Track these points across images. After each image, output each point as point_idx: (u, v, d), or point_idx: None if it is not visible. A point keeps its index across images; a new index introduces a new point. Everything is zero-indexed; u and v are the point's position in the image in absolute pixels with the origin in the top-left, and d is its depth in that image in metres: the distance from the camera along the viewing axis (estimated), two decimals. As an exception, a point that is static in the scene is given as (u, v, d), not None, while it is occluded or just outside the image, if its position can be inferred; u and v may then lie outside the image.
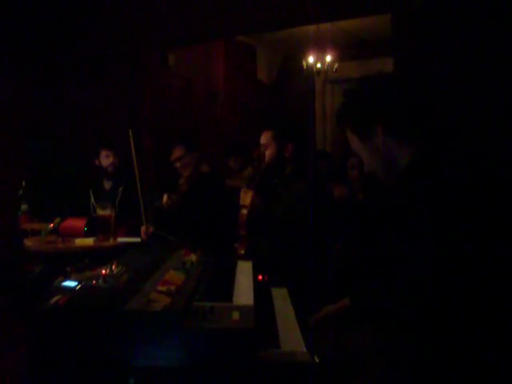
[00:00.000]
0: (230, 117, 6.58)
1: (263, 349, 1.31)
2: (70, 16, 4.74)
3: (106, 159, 3.77)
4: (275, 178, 2.92)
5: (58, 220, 3.35)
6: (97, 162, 3.81)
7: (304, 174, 2.81)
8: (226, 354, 1.24)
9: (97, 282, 1.49)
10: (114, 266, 1.62)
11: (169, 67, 5.46)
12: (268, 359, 1.29)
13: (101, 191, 3.80)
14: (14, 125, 3.86)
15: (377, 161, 1.44)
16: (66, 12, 4.71)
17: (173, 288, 1.45)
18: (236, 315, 1.31)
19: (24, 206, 3.93)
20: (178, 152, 3.57)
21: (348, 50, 7.32)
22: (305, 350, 1.37)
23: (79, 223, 3.33)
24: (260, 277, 1.98)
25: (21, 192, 3.99)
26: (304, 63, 6.89)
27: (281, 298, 1.87)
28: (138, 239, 3.19)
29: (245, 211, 2.90)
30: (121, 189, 3.72)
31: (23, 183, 3.99)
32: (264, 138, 2.86)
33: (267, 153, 2.84)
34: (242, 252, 2.85)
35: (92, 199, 3.72)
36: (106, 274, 1.56)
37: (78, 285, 1.48)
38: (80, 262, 1.72)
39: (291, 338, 1.46)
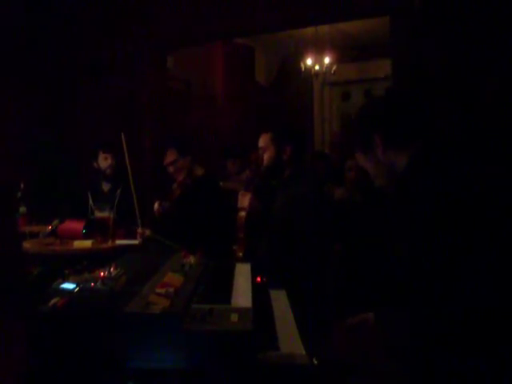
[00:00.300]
0: (229, 119, 6.59)
1: (262, 351, 1.31)
2: (70, 17, 4.75)
3: (104, 161, 3.76)
4: (274, 181, 2.93)
5: (56, 222, 3.34)
6: (95, 164, 3.80)
7: (303, 176, 2.81)
8: (225, 356, 1.24)
9: (95, 284, 1.49)
10: (112, 269, 1.62)
11: (167, 69, 5.46)
12: (267, 361, 1.29)
13: (99, 193, 3.80)
14: (13, 126, 3.87)
15: (380, 171, 1.52)
16: (66, 13, 4.72)
17: (171, 290, 1.45)
18: (235, 317, 1.31)
19: (22, 208, 3.92)
20: (170, 156, 3.57)
21: (346, 52, 7.34)
22: (304, 352, 1.37)
23: (77, 225, 3.32)
24: (259, 279, 1.98)
25: (19, 194, 3.99)
26: (302, 65, 6.91)
27: (279, 300, 1.87)
28: (136, 241, 3.19)
29: (243, 213, 2.90)
30: (119, 191, 3.71)
31: (22, 185, 3.99)
32: (262, 141, 2.87)
33: (266, 155, 2.84)
34: (241, 254, 2.85)
35: (90, 201, 3.71)
36: (104, 276, 1.56)
37: (76, 287, 1.47)
38: (78, 264, 1.71)
39: (290, 340, 1.46)
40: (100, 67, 4.69)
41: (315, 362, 1.31)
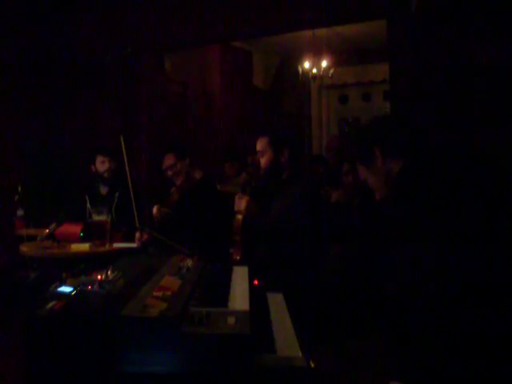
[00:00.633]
0: (226, 122, 6.59)
1: (259, 354, 1.31)
2: (68, 18, 4.76)
3: (101, 165, 3.76)
4: (271, 184, 2.93)
5: (53, 225, 3.34)
6: (93, 167, 3.80)
7: (300, 179, 2.82)
8: (222, 359, 1.24)
9: (92, 287, 1.49)
10: (109, 272, 1.62)
11: (165, 72, 5.47)
12: (264, 364, 1.29)
13: (97, 197, 3.80)
14: (12, 129, 3.86)
15: (381, 182, 1.70)
16: (64, 13, 4.72)
17: (169, 293, 1.45)
18: (232, 320, 1.31)
19: (20, 212, 3.92)
20: (168, 160, 3.59)
21: (344, 55, 7.35)
22: (301, 355, 1.37)
23: (75, 228, 3.32)
24: (256, 282, 1.98)
25: (17, 197, 3.99)
26: (300, 68, 6.91)
27: (277, 303, 1.87)
28: (134, 244, 3.19)
29: (240, 216, 2.90)
30: (117, 194, 3.71)
31: (19, 188, 3.99)
32: (260, 145, 2.87)
33: (264, 159, 2.85)
34: (238, 257, 2.85)
35: (88, 205, 3.71)
36: (101, 279, 1.56)
37: (73, 290, 1.47)
38: (76, 267, 1.71)
39: (287, 343, 1.46)
40: (98, 70, 4.69)
41: (312, 365, 1.31)
